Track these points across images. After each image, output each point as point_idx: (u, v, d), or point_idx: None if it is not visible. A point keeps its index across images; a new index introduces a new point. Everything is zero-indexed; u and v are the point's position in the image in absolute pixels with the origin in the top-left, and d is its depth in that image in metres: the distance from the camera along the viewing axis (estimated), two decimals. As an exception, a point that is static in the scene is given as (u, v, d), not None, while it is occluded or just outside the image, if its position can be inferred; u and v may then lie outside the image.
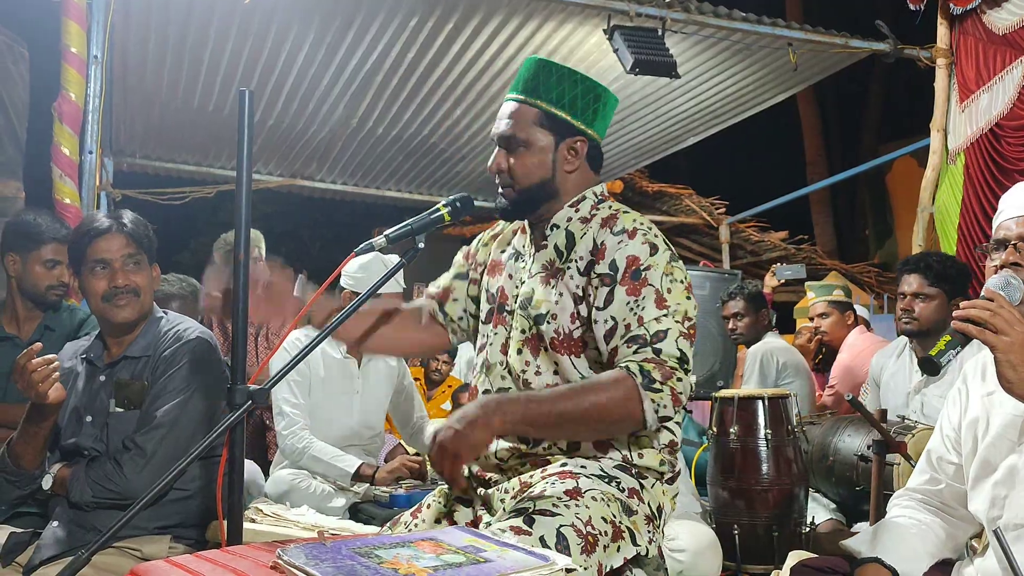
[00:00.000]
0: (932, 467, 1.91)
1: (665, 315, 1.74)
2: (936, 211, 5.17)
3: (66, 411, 2.25)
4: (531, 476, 1.84)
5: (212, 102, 5.94)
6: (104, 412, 2.23)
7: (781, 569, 2.21)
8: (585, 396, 1.70)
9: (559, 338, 1.84)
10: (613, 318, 1.77)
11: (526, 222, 2.01)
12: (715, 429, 3.44)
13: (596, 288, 1.81)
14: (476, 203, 2.06)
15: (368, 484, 3.28)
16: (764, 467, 3.26)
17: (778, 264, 6.13)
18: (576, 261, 1.86)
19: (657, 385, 1.67)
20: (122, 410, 2.23)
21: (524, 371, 1.88)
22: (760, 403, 3.33)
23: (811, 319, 5.18)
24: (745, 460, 3.29)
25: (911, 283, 3.34)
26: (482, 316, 2.04)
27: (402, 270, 1.97)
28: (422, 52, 5.26)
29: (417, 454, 4.38)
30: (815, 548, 3.05)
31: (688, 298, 1.79)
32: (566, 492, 1.69)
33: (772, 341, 4.78)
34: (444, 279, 2.18)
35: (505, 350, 1.93)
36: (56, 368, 2.06)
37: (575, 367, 1.84)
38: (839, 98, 15.45)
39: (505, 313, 1.96)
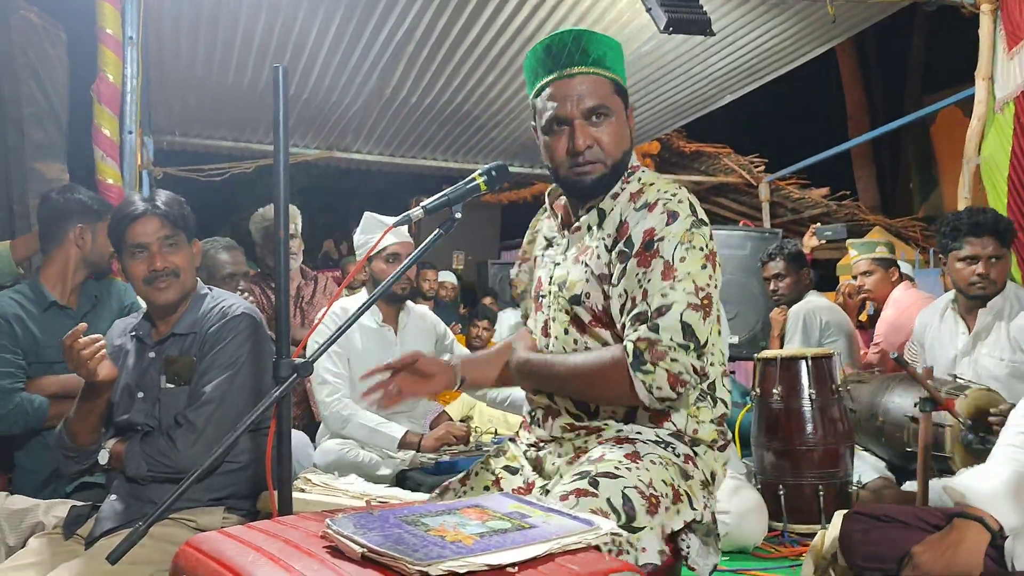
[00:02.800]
0: None
1: (671, 287, 1.70)
2: (983, 162, 5.04)
3: (118, 388, 2.30)
4: (585, 442, 1.86)
5: (247, 78, 5.97)
6: (155, 388, 2.28)
7: (827, 529, 2.20)
8: (578, 359, 1.81)
9: (596, 315, 1.84)
10: (625, 291, 1.76)
11: (563, 203, 2.00)
12: (758, 390, 3.43)
13: (616, 263, 1.79)
14: (511, 170, 2.06)
15: (414, 451, 3.31)
16: (809, 427, 3.25)
17: (817, 224, 6.01)
18: (604, 239, 1.85)
19: (647, 366, 1.67)
20: (172, 386, 2.27)
21: (575, 350, 1.88)
22: (803, 363, 3.31)
23: (854, 277, 5.11)
24: (789, 421, 3.28)
25: (988, 246, 3.26)
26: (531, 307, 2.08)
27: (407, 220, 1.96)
28: (453, 19, 5.22)
29: (463, 420, 4.43)
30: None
31: (704, 267, 1.73)
32: (625, 456, 1.71)
33: (814, 300, 4.73)
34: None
35: (546, 332, 1.94)
36: (103, 346, 2.10)
37: (616, 341, 1.83)
38: (880, 49, 15.08)
39: (540, 299, 1.98)
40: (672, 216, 1.75)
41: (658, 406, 1.74)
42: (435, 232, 1.86)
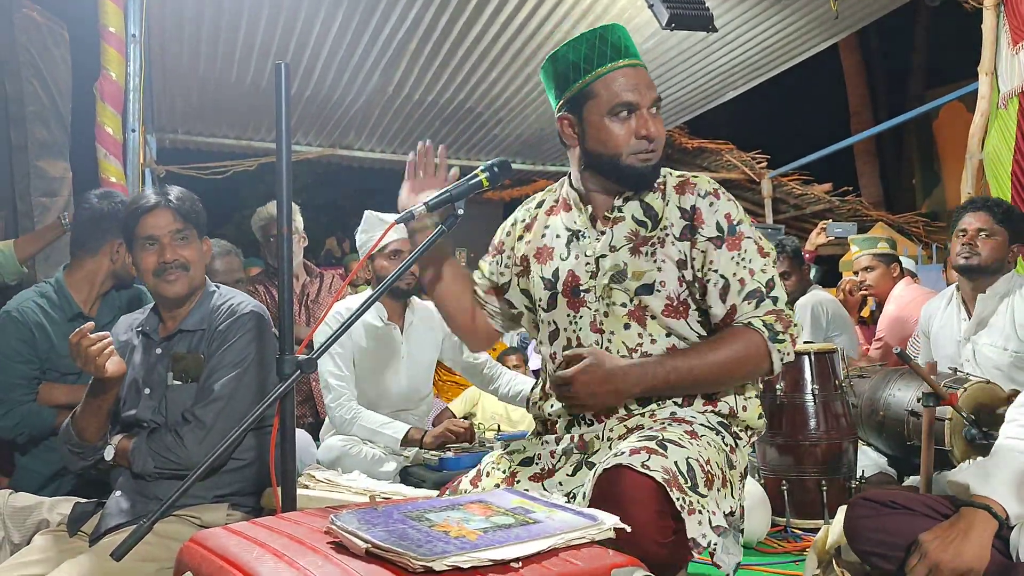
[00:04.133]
0: None
1: (768, 264, 1.87)
2: (986, 158, 5.03)
3: (124, 384, 2.30)
4: (639, 423, 1.87)
5: (249, 75, 5.98)
6: (162, 385, 2.28)
7: (831, 524, 2.20)
8: (717, 353, 1.82)
9: (672, 304, 1.88)
10: (723, 276, 1.85)
11: (572, 198, 2.00)
12: (761, 385, 3.42)
13: (704, 251, 1.86)
14: (514, 166, 2.06)
15: (417, 448, 3.32)
16: (812, 422, 3.25)
17: (828, 220, 5.99)
18: (667, 228, 1.89)
19: (781, 336, 1.82)
20: (179, 383, 2.27)
21: (640, 344, 1.89)
22: (806, 359, 3.31)
23: (855, 273, 5.11)
24: (793, 416, 3.28)
25: (976, 220, 3.30)
26: (541, 304, 2.01)
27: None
28: (455, 16, 5.23)
29: (465, 418, 4.43)
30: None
31: (773, 249, 1.92)
32: (685, 432, 1.76)
33: (819, 293, 4.75)
34: (479, 289, 2.20)
35: (598, 328, 1.91)
36: (110, 343, 2.11)
37: (690, 327, 1.90)
38: (883, 44, 15.04)
39: (583, 294, 1.93)
40: (734, 204, 1.90)
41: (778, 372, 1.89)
42: (437, 228, 1.87)
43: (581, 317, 1.94)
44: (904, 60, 14.90)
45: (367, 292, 3.70)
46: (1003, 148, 4.79)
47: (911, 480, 3.33)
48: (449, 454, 3.22)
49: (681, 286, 1.87)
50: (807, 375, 3.29)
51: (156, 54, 5.48)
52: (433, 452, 3.27)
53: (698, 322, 1.90)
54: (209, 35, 5.34)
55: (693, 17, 4.50)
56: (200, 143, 7.31)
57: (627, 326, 1.89)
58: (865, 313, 5.80)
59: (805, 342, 4.14)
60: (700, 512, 1.58)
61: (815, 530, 2.68)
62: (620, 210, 1.93)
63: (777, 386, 3.30)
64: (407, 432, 3.31)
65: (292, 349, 1.76)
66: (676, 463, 1.61)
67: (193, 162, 7.04)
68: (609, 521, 1.33)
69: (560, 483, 1.86)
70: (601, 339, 1.91)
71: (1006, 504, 1.75)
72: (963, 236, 3.31)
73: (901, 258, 5.16)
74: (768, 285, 1.84)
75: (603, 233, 1.94)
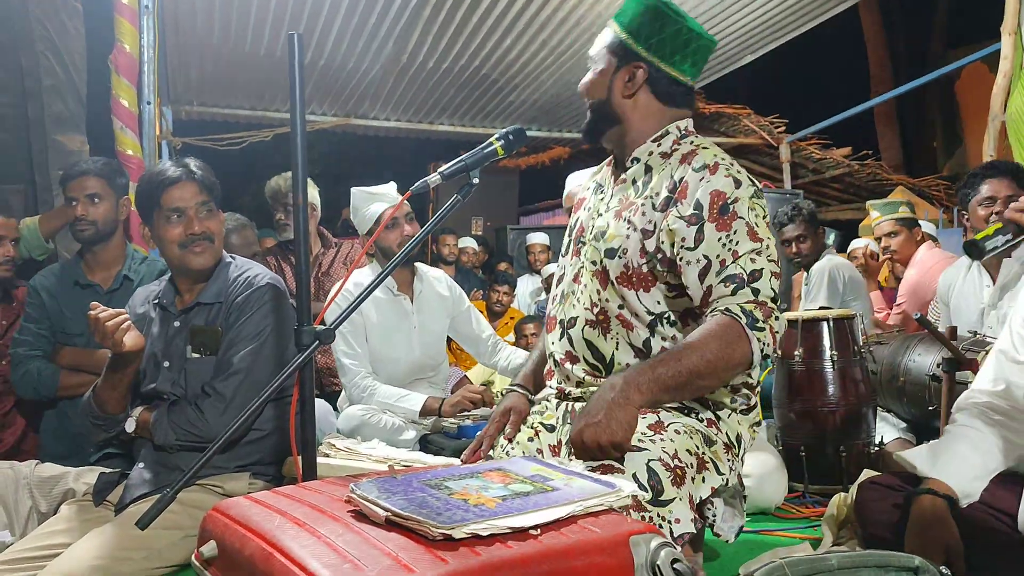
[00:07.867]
0: (999, 367, 1.85)
1: (758, 253, 1.74)
2: (1008, 119, 4.95)
3: (143, 357, 2.32)
4: None
5: (263, 46, 5.96)
6: (181, 358, 2.30)
7: (842, 495, 2.20)
8: (707, 348, 1.68)
9: (627, 272, 1.85)
10: (705, 256, 1.76)
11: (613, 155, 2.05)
12: (779, 351, 3.41)
13: (674, 230, 1.78)
14: (529, 134, 2.05)
15: (436, 416, 3.34)
16: (830, 388, 3.24)
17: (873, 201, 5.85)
18: (652, 196, 1.86)
19: (760, 324, 1.69)
20: (198, 356, 2.29)
21: (597, 302, 1.89)
22: (825, 325, 3.29)
23: (878, 239, 5.06)
24: (811, 382, 3.26)
25: (1003, 187, 3.23)
26: (563, 249, 2.09)
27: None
28: (469, -18, 5.18)
29: (483, 385, 4.44)
30: (884, 467, 3.04)
31: (771, 236, 1.79)
32: (649, 427, 1.71)
33: (836, 258, 4.71)
34: None
35: (578, 279, 1.96)
36: (127, 318, 2.12)
37: (640, 301, 1.84)
38: (903, 4, 14.78)
39: (580, 244, 1.99)
40: (737, 182, 1.78)
41: (756, 368, 1.79)
42: (453, 198, 1.86)
43: (571, 266, 2.00)
44: (925, 21, 14.64)
45: (374, 265, 3.67)
46: (1026, 109, 4.71)
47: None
48: (468, 421, 3.24)
49: (643, 257, 1.82)
50: (826, 341, 3.28)
51: (169, 26, 5.47)
52: (452, 420, 3.28)
53: (665, 297, 1.83)
54: (222, 6, 5.32)
55: (710, -21, 4.44)
56: (215, 114, 7.32)
57: (591, 282, 1.92)
58: (883, 279, 5.74)
59: (822, 307, 4.13)
60: (661, 525, 1.53)
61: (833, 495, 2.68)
62: (626, 170, 1.96)
63: (796, 352, 3.28)
64: (424, 402, 3.33)
65: (310, 320, 1.77)
66: (635, 474, 1.56)
67: (208, 133, 7.05)
68: (628, 488, 1.34)
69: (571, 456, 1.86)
70: (576, 288, 1.96)
71: (953, 484, 1.74)
72: (991, 204, 3.25)
73: (921, 222, 5.11)
74: (752, 276, 1.72)
75: (612, 193, 1.98)
